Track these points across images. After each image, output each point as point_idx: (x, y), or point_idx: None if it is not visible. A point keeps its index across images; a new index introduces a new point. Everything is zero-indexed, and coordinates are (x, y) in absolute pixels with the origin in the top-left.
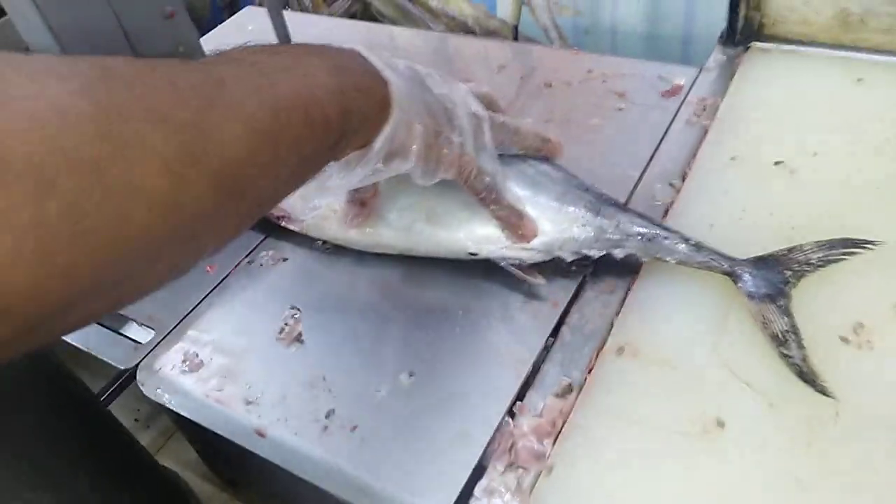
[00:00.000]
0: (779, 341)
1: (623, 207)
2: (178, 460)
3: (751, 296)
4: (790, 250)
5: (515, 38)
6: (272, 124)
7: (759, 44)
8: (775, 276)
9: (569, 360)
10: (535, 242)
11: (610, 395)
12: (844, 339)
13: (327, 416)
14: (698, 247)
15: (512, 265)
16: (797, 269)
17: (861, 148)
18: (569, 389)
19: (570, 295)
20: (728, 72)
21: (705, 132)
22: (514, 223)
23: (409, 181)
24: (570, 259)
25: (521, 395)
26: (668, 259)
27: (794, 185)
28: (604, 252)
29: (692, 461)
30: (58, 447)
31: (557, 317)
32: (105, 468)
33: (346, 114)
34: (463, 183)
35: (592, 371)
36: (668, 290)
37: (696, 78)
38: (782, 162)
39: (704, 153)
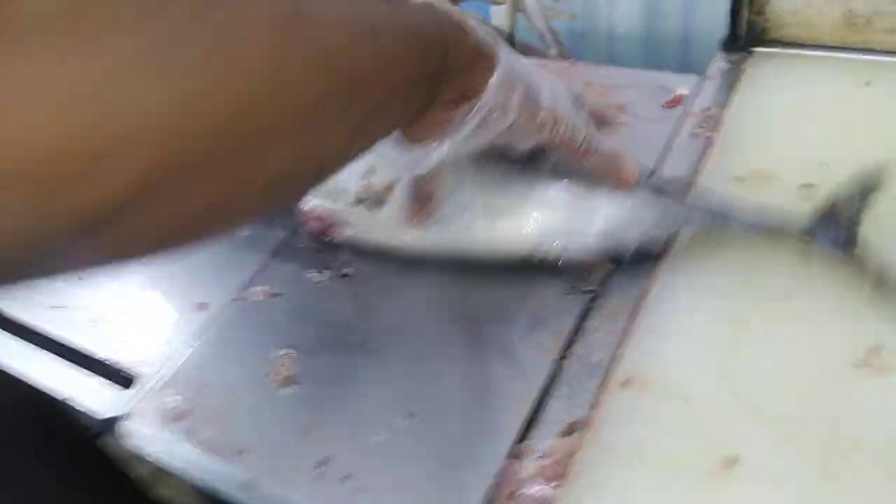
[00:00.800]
0: (878, 284)
1: (687, 184)
2: (177, 490)
3: (833, 248)
4: (833, 203)
5: (511, 46)
6: (373, 22)
7: (761, 49)
8: (841, 227)
9: (573, 395)
10: (601, 227)
11: (618, 432)
12: (859, 365)
13: (322, 465)
14: (765, 213)
15: (572, 263)
16: (852, 215)
17: (874, 155)
18: (574, 427)
19: (574, 323)
20: (731, 79)
21: (710, 144)
22: (616, 168)
23: (466, 178)
24: (634, 246)
25: (523, 436)
26: (736, 229)
27: (806, 197)
28: (673, 231)
29: (707, 501)
30: (51, 483)
31: (560, 347)
32: (99, 501)
33: (447, 47)
34: (558, 142)
35: (598, 407)
36: (675, 316)
37: (698, 87)
38: (792, 173)
39: (710, 166)
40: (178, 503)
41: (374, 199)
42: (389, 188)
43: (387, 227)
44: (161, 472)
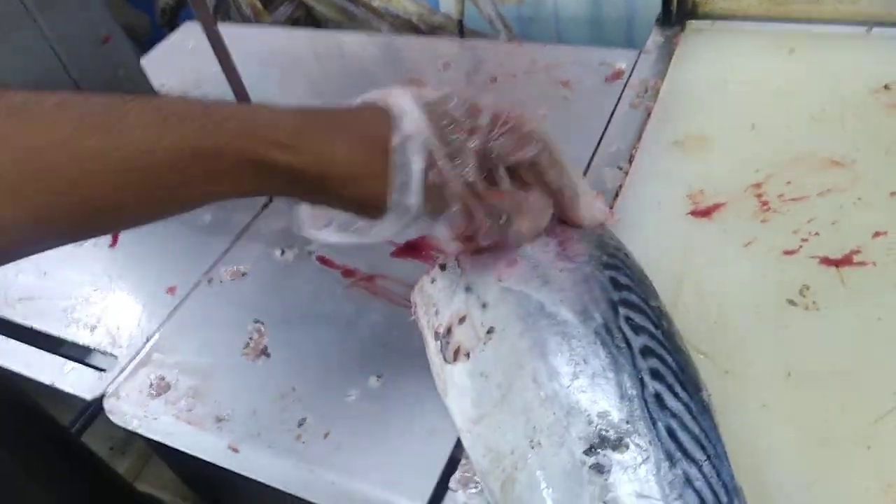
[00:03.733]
0: None
1: None
2: (157, 484)
3: None
4: None
5: (461, 32)
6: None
7: (694, 23)
8: None
9: None
10: None
11: None
12: (792, 302)
13: (300, 426)
14: None
15: None
16: None
17: (797, 117)
18: None
19: None
20: (667, 52)
21: (649, 114)
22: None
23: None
24: None
25: None
26: None
27: (735, 157)
28: None
29: None
30: (31, 483)
31: None
32: (78, 501)
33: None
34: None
35: None
36: None
37: (637, 61)
38: (724, 136)
39: (649, 134)
40: (159, 498)
41: (447, 351)
42: (465, 353)
43: (445, 391)
44: (141, 466)
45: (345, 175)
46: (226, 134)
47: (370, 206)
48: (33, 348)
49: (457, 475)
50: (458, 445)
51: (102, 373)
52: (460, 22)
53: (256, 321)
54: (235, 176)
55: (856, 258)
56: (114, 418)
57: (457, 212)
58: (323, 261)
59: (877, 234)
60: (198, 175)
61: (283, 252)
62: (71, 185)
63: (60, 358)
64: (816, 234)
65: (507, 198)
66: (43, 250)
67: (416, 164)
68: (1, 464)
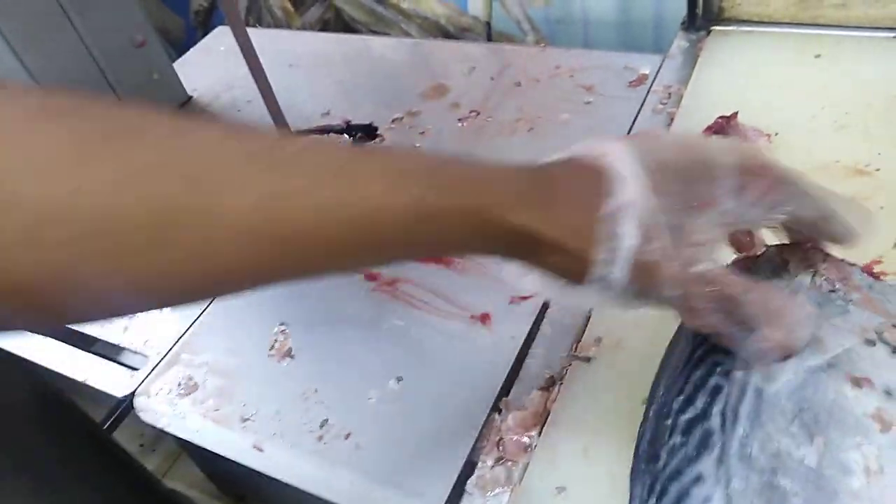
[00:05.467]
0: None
1: None
2: (186, 481)
3: None
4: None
5: (489, 34)
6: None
7: (719, 27)
8: None
9: (550, 354)
10: None
11: (590, 385)
12: None
13: (321, 426)
14: None
15: None
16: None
17: (821, 123)
18: (552, 382)
19: None
20: (691, 57)
21: (671, 119)
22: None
23: None
24: None
25: (506, 391)
26: None
27: None
28: None
29: None
30: (64, 477)
31: (537, 312)
32: (111, 495)
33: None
34: None
35: (573, 364)
36: None
37: (661, 66)
38: (746, 143)
39: None
40: (187, 495)
41: None
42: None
43: None
44: (170, 464)
45: (553, 242)
46: (456, 195)
47: (573, 274)
48: (68, 346)
49: (473, 479)
50: (476, 449)
51: (134, 371)
52: (488, 24)
53: (282, 323)
54: (458, 236)
55: (877, 268)
56: (144, 416)
57: (677, 298)
58: None
59: None
60: (422, 234)
61: None
62: (301, 233)
63: (94, 356)
64: None
65: (752, 294)
66: (244, 292)
67: (626, 241)
68: (39, 456)
